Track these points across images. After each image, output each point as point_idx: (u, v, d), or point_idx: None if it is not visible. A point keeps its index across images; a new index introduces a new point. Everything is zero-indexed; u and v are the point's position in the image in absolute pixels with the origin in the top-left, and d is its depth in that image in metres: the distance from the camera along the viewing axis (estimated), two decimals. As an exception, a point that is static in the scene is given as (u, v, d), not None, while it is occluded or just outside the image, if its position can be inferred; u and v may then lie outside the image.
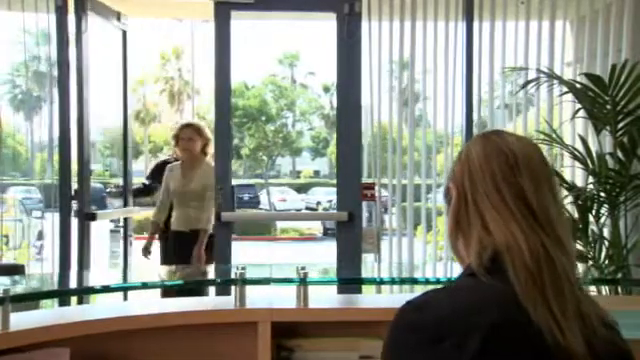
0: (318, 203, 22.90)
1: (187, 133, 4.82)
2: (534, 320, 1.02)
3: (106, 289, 1.66)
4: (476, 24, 4.29)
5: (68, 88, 4.17)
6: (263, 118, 24.48)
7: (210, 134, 4.75)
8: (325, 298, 1.96)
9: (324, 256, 4.71)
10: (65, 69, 4.15)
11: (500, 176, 1.14)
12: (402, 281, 1.86)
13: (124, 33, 4.81)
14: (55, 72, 4.17)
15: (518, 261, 1.06)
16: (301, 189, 26.15)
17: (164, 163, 5.38)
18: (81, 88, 4.21)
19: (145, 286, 1.74)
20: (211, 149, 4.70)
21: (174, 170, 4.92)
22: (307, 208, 23.22)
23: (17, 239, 5.54)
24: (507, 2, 4.31)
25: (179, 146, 4.89)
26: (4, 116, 4.99)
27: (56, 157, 4.21)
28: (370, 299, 1.92)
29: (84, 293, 1.98)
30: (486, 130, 1.29)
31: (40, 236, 5.15)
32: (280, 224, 17.51)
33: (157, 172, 5.50)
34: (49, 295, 1.65)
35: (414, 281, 1.83)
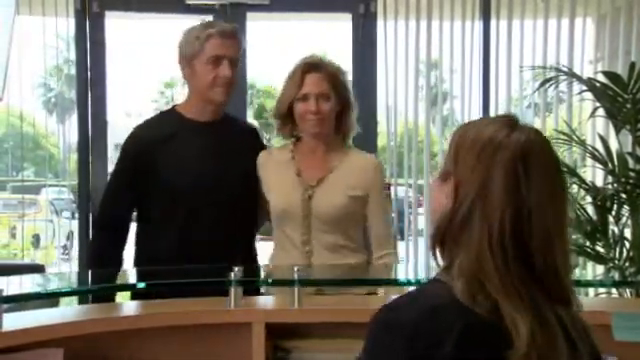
0: (345, 204, 22.92)
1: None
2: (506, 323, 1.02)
3: (102, 289, 1.68)
4: (493, 23, 4.26)
5: (87, 90, 4.22)
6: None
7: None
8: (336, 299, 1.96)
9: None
10: (84, 71, 4.21)
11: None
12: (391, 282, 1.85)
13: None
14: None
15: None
16: (328, 190, 26.29)
17: None
18: (102, 89, 4.26)
19: (138, 287, 1.75)
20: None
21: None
22: (334, 209, 23.36)
23: (47, 239, 5.63)
24: (525, 0, 4.26)
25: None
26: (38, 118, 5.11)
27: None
28: (371, 300, 1.90)
29: (78, 294, 2.01)
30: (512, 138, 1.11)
31: (69, 237, 5.23)
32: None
33: None
34: (40, 296, 1.67)
35: (407, 283, 1.81)
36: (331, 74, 2.26)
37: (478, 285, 1.04)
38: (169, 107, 2.47)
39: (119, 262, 2.29)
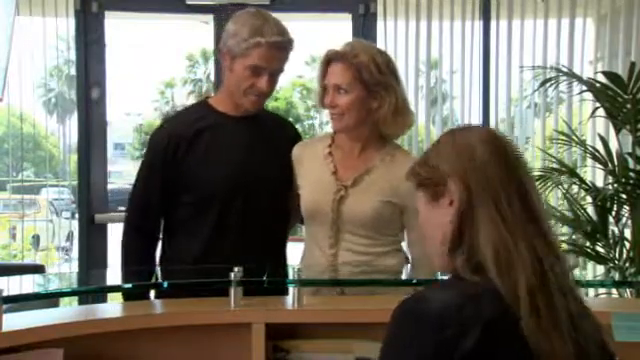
0: (345, 204, 22.92)
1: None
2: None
3: (102, 290, 1.68)
4: (493, 23, 4.26)
5: (88, 91, 4.22)
6: (291, 119, 24.52)
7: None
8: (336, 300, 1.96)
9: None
10: (84, 71, 4.21)
11: (506, 179, 1.13)
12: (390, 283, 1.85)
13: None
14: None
15: (521, 273, 1.07)
16: (328, 190, 26.25)
17: None
18: (102, 89, 4.25)
19: (138, 288, 1.75)
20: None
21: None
22: (334, 209, 23.33)
23: (47, 240, 5.63)
24: (525, 0, 4.26)
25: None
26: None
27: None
28: (370, 300, 1.90)
29: (77, 294, 2.01)
30: (472, 126, 1.38)
31: (69, 237, 5.23)
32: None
33: None
34: (40, 296, 1.67)
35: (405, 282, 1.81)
36: (356, 64, 2.02)
37: (506, 263, 1.09)
38: (201, 100, 2.39)
39: (153, 262, 2.23)
